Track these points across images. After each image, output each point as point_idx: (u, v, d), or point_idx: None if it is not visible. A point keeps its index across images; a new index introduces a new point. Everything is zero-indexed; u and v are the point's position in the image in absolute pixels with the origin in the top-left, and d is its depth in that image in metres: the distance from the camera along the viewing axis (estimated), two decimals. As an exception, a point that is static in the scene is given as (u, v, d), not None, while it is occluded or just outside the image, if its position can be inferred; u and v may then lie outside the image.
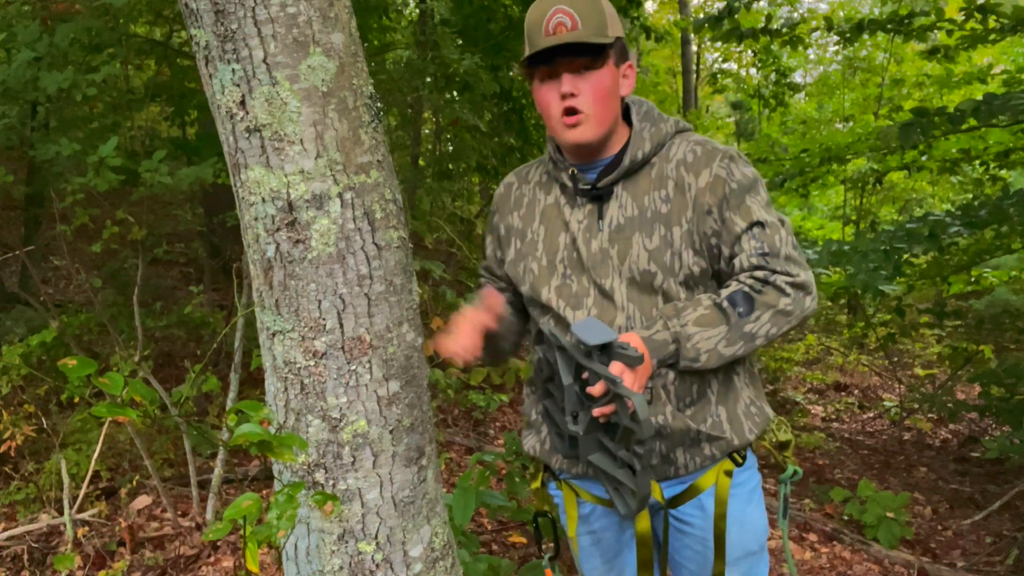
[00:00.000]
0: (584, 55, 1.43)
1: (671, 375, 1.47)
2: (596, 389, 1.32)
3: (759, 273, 1.42)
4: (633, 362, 1.33)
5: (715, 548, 1.54)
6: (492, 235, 1.70)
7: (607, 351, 1.35)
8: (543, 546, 1.70)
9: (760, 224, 1.44)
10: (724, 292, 1.43)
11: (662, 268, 1.47)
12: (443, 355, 1.49)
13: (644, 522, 1.54)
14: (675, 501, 1.57)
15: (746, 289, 1.42)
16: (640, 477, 1.35)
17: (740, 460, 1.56)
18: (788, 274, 1.42)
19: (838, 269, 3.86)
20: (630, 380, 1.33)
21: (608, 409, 1.33)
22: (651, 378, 1.45)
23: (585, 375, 1.37)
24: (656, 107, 1.59)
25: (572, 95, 1.44)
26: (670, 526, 1.61)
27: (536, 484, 1.68)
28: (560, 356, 1.41)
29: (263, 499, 0.98)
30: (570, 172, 1.53)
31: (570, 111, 1.45)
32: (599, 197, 1.52)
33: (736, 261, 1.46)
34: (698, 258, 1.47)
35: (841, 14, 8.86)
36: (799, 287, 1.43)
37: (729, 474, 1.54)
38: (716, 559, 1.54)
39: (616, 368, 1.33)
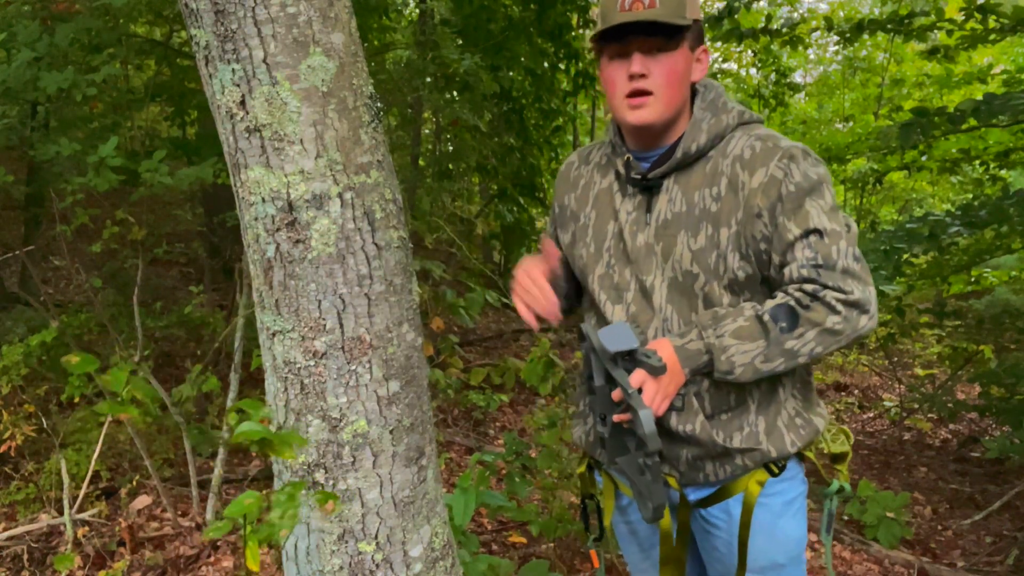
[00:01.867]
0: (659, 35, 1.35)
1: (705, 383, 1.42)
2: (615, 395, 1.31)
3: (808, 287, 1.32)
4: (656, 371, 1.31)
5: (738, 555, 1.51)
6: (551, 212, 1.68)
7: (632, 358, 1.33)
8: (589, 526, 1.69)
9: (817, 232, 1.33)
10: (768, 304, 1.35)
11: (705, 270, 1.39)
12: (533, 316, 1.48)
13: (667, 519, 1.51)
14: (705, 501, 1.54)
15: (791, 303, 1.32)
16: (653, 486, 1.33)
17: (776, 471, 1.49)
18: (841, 290, 1.31)
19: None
20: (653, 389, 1.30)
21: (625, 416, 1.32)
22: (684, 385, 1.40)
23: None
24: (724, 93, 1.48)
25: (642, 76, 1.36)
26: (699, 526, 1.58)
27: (581, 469, 1.68)
28: (593, 358, 1.39)
29: (263, 498, 0.98)
30: (625, 159, 1.47)
31: (637, 92, 1.37)
32: (649, 188, 1.46)
33: (786, 270, 1.35)
34: (744, 263, 1.38)
35: (841, 14, 8.87)
36: (852, 305, 1.31)
37: (761, 483, 1.48)
38: (738, 566, 1.51)
39: (638, 376, 1.31)
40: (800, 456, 1.53)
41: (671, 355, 1.35)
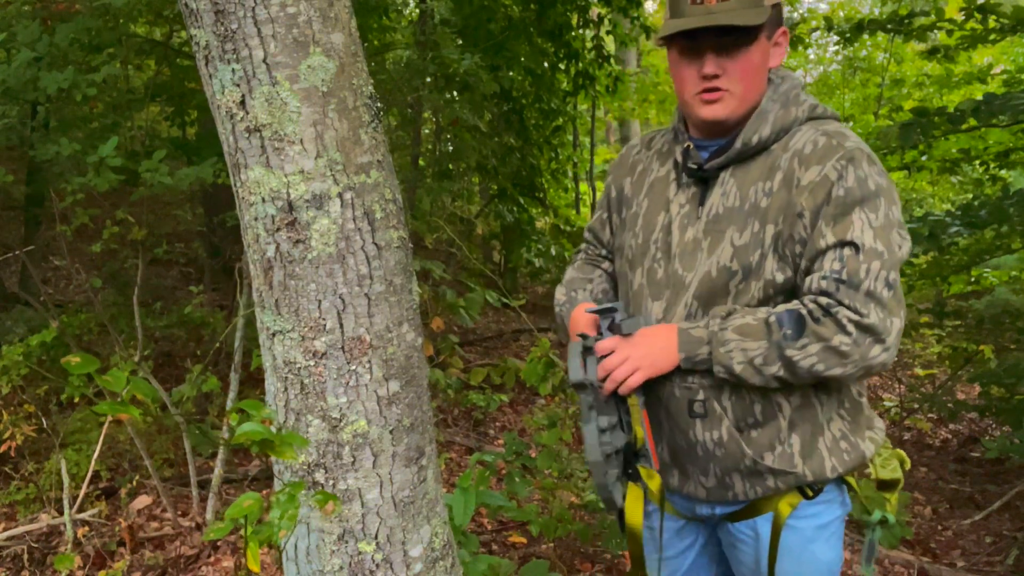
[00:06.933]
0: (733, 34, 1.27)
1: (727, 390, 1.35)
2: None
3: (823, 300, 1.23)
4: (625, 329, 1.37)
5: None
6: (604, 195, 1.61)
7: (612, 323, 1.40)
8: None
9: (853, 245, 1.22)
10: (780, 307, 1.28)
11: (744, 267, 1.32)
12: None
13: (635, 517, 1.42)
14: (733, 516, 1.48)
15: (803, 312, 1.25)
16: (594, 466, 1.36)
17: (811, 494, 1.40)
18: (856, 311, 1.21)
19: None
20: (624, 353, 1.35)
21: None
22: (706, 389, 1.36)
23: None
24: (800, 86, 1.39)
25: (716, 76, 1.29)
26: (726, 538, 1.53)
27: None
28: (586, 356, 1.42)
29: (263, 499, 0.98)
30: (685, 147, 1.40)
31: (711, 89, 1.31)
32: (705, 180, 1.38)
33: (809, 279, 1.26)
34: (783, 264, 1.30)
35: (841, 14, 8.87)
36: (865, 329, 1.21)
37: (793, 505, 1.40)
38: None
39: (611, 341, 1.37)
40: (841, 479, 1.44)
41: (672, 336, 1.34)
